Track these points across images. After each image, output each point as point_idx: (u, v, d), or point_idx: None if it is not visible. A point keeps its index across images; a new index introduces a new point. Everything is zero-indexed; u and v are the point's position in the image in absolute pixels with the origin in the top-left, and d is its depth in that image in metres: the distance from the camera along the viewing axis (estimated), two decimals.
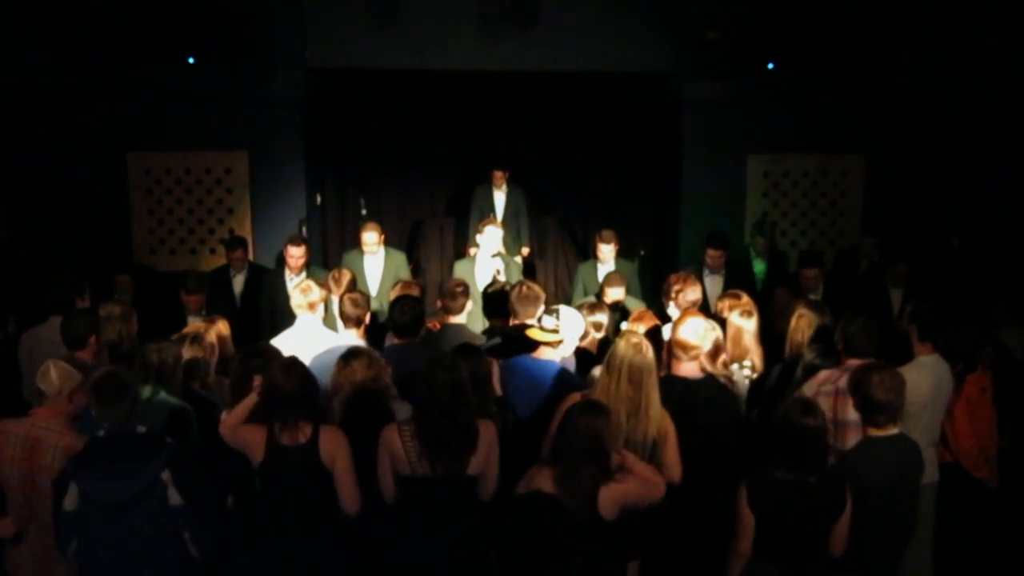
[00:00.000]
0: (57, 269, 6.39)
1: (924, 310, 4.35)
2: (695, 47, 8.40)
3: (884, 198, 8.70)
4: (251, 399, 3.56)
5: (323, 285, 5.15)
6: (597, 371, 3.94)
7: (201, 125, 8.29)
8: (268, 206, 8.46)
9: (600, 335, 4.94)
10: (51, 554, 3.47)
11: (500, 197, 8.65)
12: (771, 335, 4.91)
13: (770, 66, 8.21)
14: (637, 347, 3.64)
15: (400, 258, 7.00)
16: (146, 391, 3.93)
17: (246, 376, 3.75)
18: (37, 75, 7.78)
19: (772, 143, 8.70)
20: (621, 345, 3.67)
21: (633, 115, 9.47)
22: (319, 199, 9.08)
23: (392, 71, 8.59)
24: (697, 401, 3.86)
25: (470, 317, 5.32)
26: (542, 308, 4.60)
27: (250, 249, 7.60)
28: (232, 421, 3.53)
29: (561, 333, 4.16)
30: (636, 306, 5.79)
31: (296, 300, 4.85)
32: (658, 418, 3.64)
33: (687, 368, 3.94)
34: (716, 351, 4.15)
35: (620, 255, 6.90)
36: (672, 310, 4.98)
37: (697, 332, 3.92)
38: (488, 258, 6.56)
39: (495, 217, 8.13)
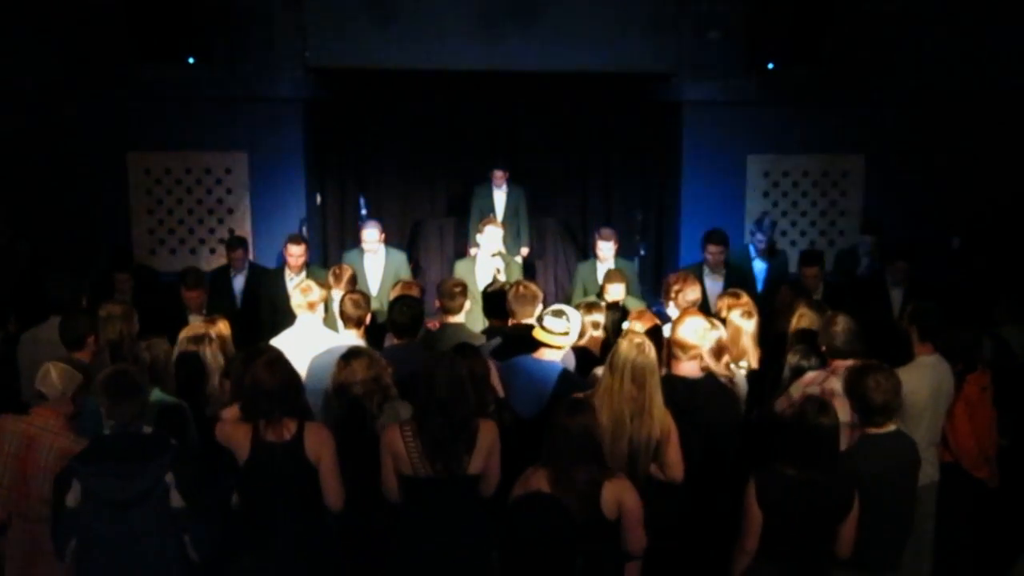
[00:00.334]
0: (57, 269, 6.40)
1: (924, 310, 4.35)
2: (695, 47, 8.40)
3: (884, 198, 8.70)
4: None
5: (323, 284, 5.14)
6: (599, 371, 3.94)
7: (201, 125, 8.29)
8: (268, 206, 8.46)
9: (598, 334, 4.94)
10: (39, 548, 3.47)
11: (500, 197, 8.65)
12: (771, 334, 4.91)
13: (770, 66, 8.21)
14: (640, 347, 3.64)
15: (400, 258, 7.00)
16: None
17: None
18: (37, 75, 7.78)
19: (772, 143, 8.70)
20: (624, 345, 3.67)
21: (633, 115, 9.49)
22: (319, 199, 9.08)
23: (392, 71, 8.59)
24: (697, 400, 3.86)
25: (471, 317, 5.32)
26: (540, 307, 4.60)
27: (250, 249, 7.60)
28: (227, 419, 3.54)
29: (572, 335, 4.16)
30: (636, 306, 5.79)
31: (296, 300, 4.84)
32: (661, 418, 3.65)
33: (687, 367, 3.94)
34: (720, 350, 4.16)
35: (619, 255, 6.89)
36: (672, 310, 4.98)
37: (696, 331, 3.92)
38: (488, 258, 6.56)
39: (495, 217, 8.13)
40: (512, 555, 2.55)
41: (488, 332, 5.09)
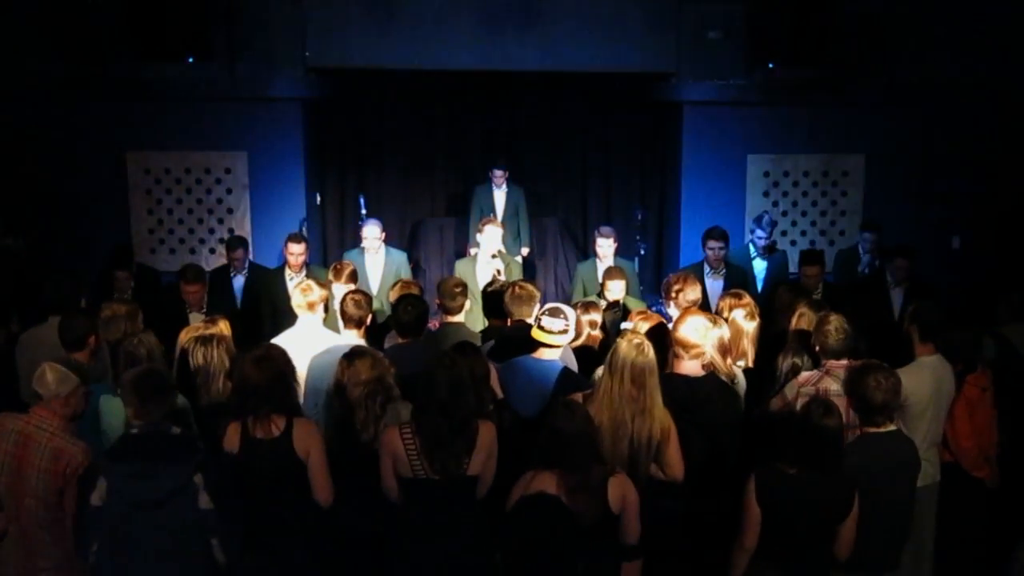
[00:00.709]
0: (57, 269, 6.39)
1: (925, 310, 4.36)
2: (695, 47, 8.40)
3: (884, 198, 8.71)
4: None
5: (324, 284, 5.14)
6: (600, 371, 3.94)
7: (201, 125, 8.29)
8: (268, 206, 8.46)
9: (596, 333, 4.93)
10: (33, 564, 3.45)
11: (500, 197, 8.65)
12: (770, 334, 4.91)
13: (770, 66, 8.21)
14: (639, 347, 3.64)
15: (401, 258, 6.99)
16: None
17: None
18: (37, 75, 7.78)
19: (772, 143, 8.70)
20: (623, 346, 3.67)
21: (633, 115, 9.49)
22: (319, 199, 9.08)
23: (392, 71, 8.59)
24: (698, 399, 3.85)
25: (471, 317, 5.32)
26: (538, 307, 4.60)
27: (250, 249, 7.60)
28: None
29: (570, 333, 4.17)
30: (636, 306, 5.79)
31: (296, 300, 4.84)
32: (661, 418, 3.65)
33: (688, 366, 3.94)
34: (724, 347, 4.16)
35: (619, 254, 6.89)
36: (673, 310, 4.98)
37: (697, 330, 3.91)
38: (488, 258, 6.56)
39: (495, 217, 8.13)
40: (516, 556, 2.56)
41: (488, 332, 5.08)
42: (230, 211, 8.48)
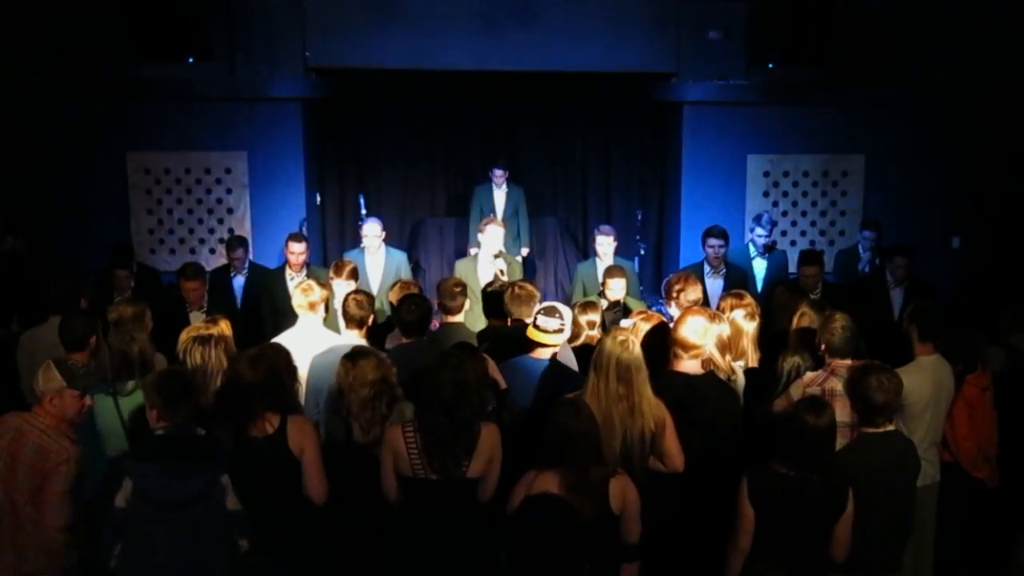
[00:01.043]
0: (57, 269, 6.39)
1: (924, 310, 4.35)
2: (695, 47, 8.41)
3: (884, 198, 8.71)
4: None
5: (324, 284, 5.13)
6: None
7: (201, 125, 8.30)
8: (268, 206, 8.46)
9: (594, 333, 4.92)
10: (23, 551, 3.44)
11: (500, 196, 8.65)
12: (770, 334, 4.91)
13: (770, 66, 8.21)
14: (624, 344, 3.62)
15: (401, 257, 6.99)
16: (129, 385, 3.92)
17: None
18: (37, 75, 7.78)
19: (772, 143, 8.71)
20: (607, 344, 3.65)
21: (633, 115, 9.49)
22: (319, 199, 9.09)
23: (392, 71, 8.60)
24: (697, 397, 3.85)
25: (471, 317, 5.31)
26: (537, 307, 4.59)
27: (250, 249, 7.60)
28: None
29: (566, 331, 4.16)
30: (636, 306, 5.79)
31: (297, 300, 4.83)
32: (653, 410, 3.63)
33: (688, 365, 3.94)
34: (723, 345, 4.15)
35: (619, 254, 6.89)
36: (674, 310, 4.97)
37: (697, 331, 3.91)
38: (490, 257, 6.56)
39: (496, 216, 8.13)
40: (522, 557, 2.56)
41: (487, 332, 5.08)
42: (230, 211, 8.48)
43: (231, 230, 8.32)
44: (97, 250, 7.61)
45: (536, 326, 4.15)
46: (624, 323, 5.11)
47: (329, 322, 5.06)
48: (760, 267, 7.02)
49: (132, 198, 8.39)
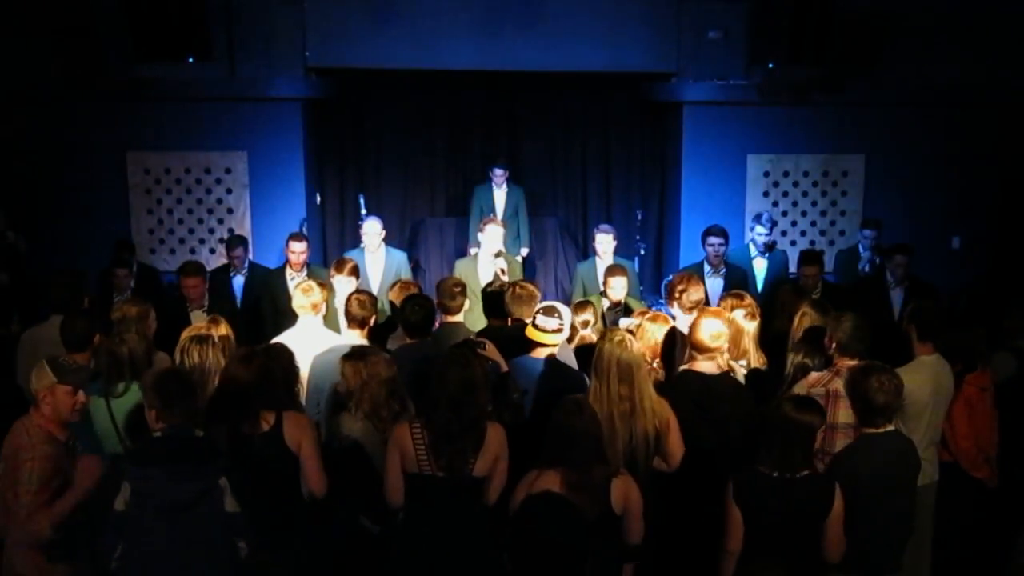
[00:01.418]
0: (58, 269, 6.38)
1: (923, 310, 4.35)
2: (695, 47, 8.41)
3: (884, 198, 8.71)
4: None
5: (324, 284, 5.14)
6: None
7: (201, 125, 8.29)
8: (268, 206, 8.46)
9: (587, 333, 4.92)
10: (28, 547, 3.43)
11: (500, 196, 8.66)
12: (770, 334, 4.91)
13: (770, 66, 8.21)
14: (621, 344, 3.64)
15: (401, 257, 6.99)
16: (120, 387, 3.91)
17: None
18: (37, 75, 7.78)
19: (772, 143, 8.71)
20: (606, 346, 3.67)
21: (633, 115, 9.49)
22: (319, 199, 9.09)
23: (392, 71, 8.59)
24: (713, 397, 3.86)
25: (471, 317, 5.31)
26: (537, 307, 4.59)
27: (250, 248, 7.60)
28: None
29: (565, 331, 4.16)
30: (636, 306, 5.79)
31: (297, 301, 4.84)
32: (657, 409, 3.64)
33: (704, 365, 3.96)
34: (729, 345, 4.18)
35: (619, 254, 6.89)
36: (676, 311, 4.97)
37: (712, 334, 3.93)
38: (490, 257, 6.56)
39: (496, 216, 8.14)
40: (524, 556, 2.56)
41: (487, 332, 5.08)
42: (230, 211, 8.48)
43: (231, 230, 8.33)
44: (97, 250, 7.62)
45: (535, 326, 4.16)
46: (622, 322, 5.12)
47: (329, 320, 5.07)
48: (760, 267, 7.03)
49: (132, 198, 8.39)
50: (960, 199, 8.72)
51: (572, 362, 4.44)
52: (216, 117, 8.28)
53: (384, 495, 3.48)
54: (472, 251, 7.13)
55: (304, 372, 4.21)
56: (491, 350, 4.02)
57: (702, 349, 3.91)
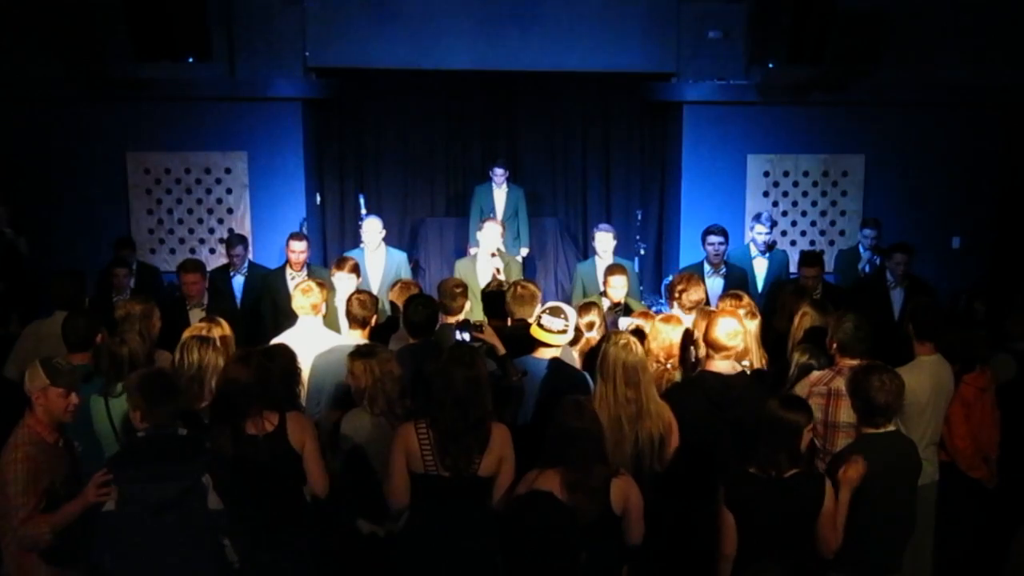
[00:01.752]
0: (58, 269, 6.38)
1: (923, 310, 4.35)
2: (695, 47, 8.41)
3: (884, 198, 8.71)
4: None
5: (324, 285, 5.14)
6: None
7: (201, 125, 8.30)
8: (268, 206, 8.46)
9: (592, 335, 4.91)
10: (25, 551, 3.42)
11: (500, 196, 8.66)
12: (771, 334, 4.91)
13: (770, 66, 8.22)
14: (626, 347, 3.65)
15: (401, 257, 6.99)
16: (118, 387, 3.90)
17: None
18: (37, 75, 7.78)
19: (772, 143, 8.71)
20: (611, 350, 3.67)
21: (633, 115, 9.50)
22: (319, 199, 9.09)
23: (392, 71, 8.60)
24: (731, 397, 3.86)
25: (474, 317, 5.31)
26: (539, 307, 4.59)
27: (250, 248, 7.60)
28: None
29: (570, 333, 4.16)
30: (637, 306, 5.79)
31: (297, 301, 4.84)
32: (661, 412, 3.64)
33: (720, 365, 3.96)
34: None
35: (619, 254, 6.89)
36: (677, 311, 4.97)
37: (728, 333, 3.94)
38: (488, 256, 6.56)
39: (495, 216, 8.14)
40: (517, 556, 2.55)
41: None
42: (230, 211, 8.48)
43: (231, 230, 8.32)
44: (97, 250, 7.62)
45: (540, 325, 4.15)
46: (622, 322, 5.11)
47: (330, 319, 5.06)
48: (761, 267, 7.03)
49: (132, 198, 8.39)
50: (960, 199, 8.73)
51: (574, 360, 4.43)
52: (216, 117, 8.29)
53: (387, 496, 3.47)
54: (472, 251, 7.13)
55: (304, 372, 4.21)
56: (489, 333, 4.03)
57: (719, 348, 3.91)
